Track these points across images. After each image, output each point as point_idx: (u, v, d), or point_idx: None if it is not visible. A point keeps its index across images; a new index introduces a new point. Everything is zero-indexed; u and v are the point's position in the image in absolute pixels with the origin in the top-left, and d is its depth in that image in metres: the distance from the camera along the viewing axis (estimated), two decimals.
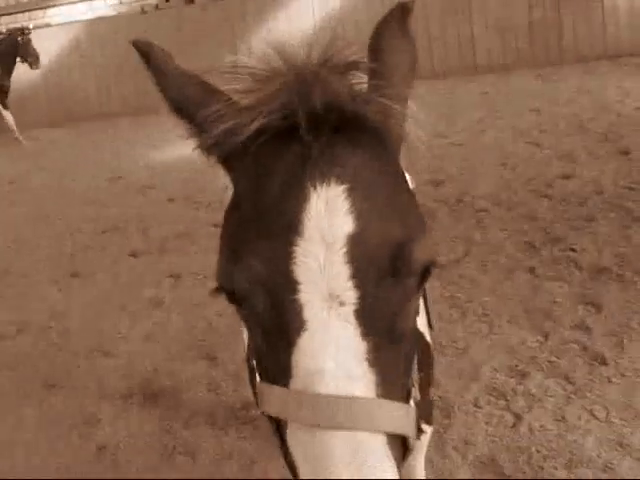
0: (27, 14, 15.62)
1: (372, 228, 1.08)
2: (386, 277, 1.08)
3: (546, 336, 4.31)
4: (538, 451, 3.30)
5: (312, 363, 1.04)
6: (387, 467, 1.01)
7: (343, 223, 1.07)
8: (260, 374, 1.20)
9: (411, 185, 1.46)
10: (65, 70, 15.36)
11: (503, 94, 12.02)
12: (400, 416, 1.08)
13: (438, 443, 3.44)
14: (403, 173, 1.26)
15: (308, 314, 1.06)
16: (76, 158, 12.14)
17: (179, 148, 11.50)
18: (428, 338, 1.99)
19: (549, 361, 4.04)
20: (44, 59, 14.63)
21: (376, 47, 1.27)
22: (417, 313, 1.24)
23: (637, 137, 8.21)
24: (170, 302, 5.65)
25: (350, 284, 1.06)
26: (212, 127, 1.17)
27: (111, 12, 15.63)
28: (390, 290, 1.09)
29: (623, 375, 3.81)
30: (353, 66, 1.20)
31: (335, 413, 1.01)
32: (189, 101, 1.26)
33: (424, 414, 1.99)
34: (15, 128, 13.77)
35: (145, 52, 1.29)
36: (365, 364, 1.05)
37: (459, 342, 4.39)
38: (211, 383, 4.31)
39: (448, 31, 14.55)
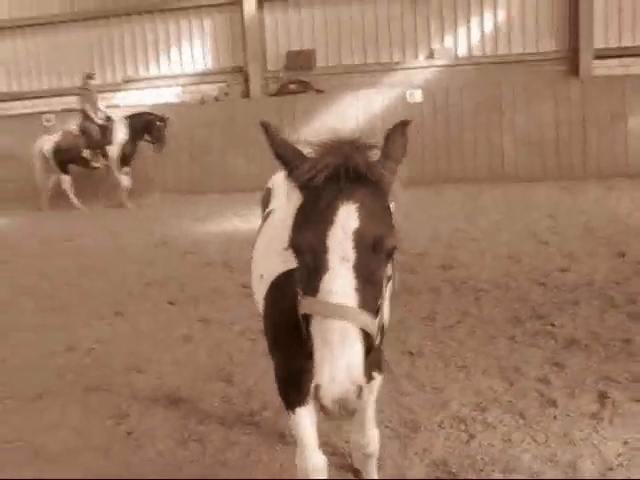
0: (99, 95, 17.25)
1: (367, 227, 2.17)
2: (370, 252, 2.17)
3: (511, 384, 5.07)
4: (482, 459, 4.04)
5: (329, 286, 2.11)
6: (358, 338, 2.10)
7: (353, 222, 2.16)
8: (303, 293, 2.24)
9: (393, 209, 2.46)
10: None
11: (525, 202, 12.92)
12: (369, 321, 2.15)
13: (402, 449, 4.20)
14: (389, 205, 2.38)
15: (331, 264, 2.14)
16: (132, 224, 13.33)
17: (219, 222, 12.69)
18: (386, 311, 2.87)
19: (509, 401, 4.80)
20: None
21: (386, 139, 2.35)
22: (387, 280, 2.37)
23: (636, 243, 9.01)
24: (199, 339, 6.53)
25: (353, 252, 2.14)
26: (298, 171, 2.29)
27: (175, 99, 17.20)
28: (372, 259, 2.17)
29: (568, 415, 4.54)
30: (371, 147, 2.33)
31: (337, 312, 2.07)
32: (287, 155, 2.35)
33: (375, 363, 2.88)
34: (125, 193, 15.38)
35: (266, 125, 2.38)
36: (355, 291, 2.12)
37: (438, 384, 5.16)
38: (225, 397, 5.14)
39: (480, 141, 15.69)
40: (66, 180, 15.43)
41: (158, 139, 15.04)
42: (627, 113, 15.15)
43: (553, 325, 6.27)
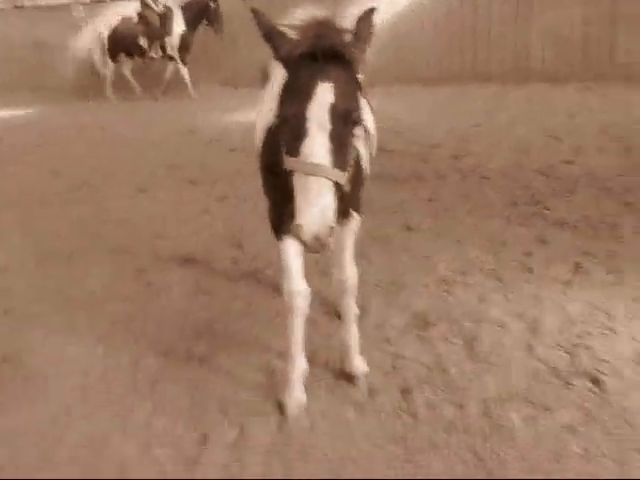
0: None
1: (339, 101, 2.58)
2: (342, 122, 2.59)
3: (496, 255, 5.53)
4: (457, 312, 4.54)
5: (309, 148, 2.56)
6: (331, 190, 2.60)
7: (329, 97, 2.56)
8: (287, 154, 2.66)
9: (361, 79, 2.87)
10: None
11: (547, 101, 12.99)
12: (340, 176, 2.62)
13: (386, 303, 4.71)
14: (358, 81, 2.78)
15: (311, 130, 2.56)
16: (159, 115, 13.77)
17: (247, 113, 13.03)
18: (364, 162, 3.34)
19: (491, 269, 5.28)
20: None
21: (357, 23, 2.74)
22: (356, 142, 2.85)
23: None
24: (215, 213, 7.08)
25: (328, 121, 2.56)
26: (282, 48, 2.66)
27: None
28: (343, 128, 2.61)
29: (541, 279, 5.01)
30: (345, 30, 2.69)
31: (315, 169, 2.54)
32: (273, 35, 2.70)
33: (353, 206, 3.36)
34: (189, 83, 15.62)
35: (255, 11, 2.75)
36: (329, 153, 2.57)
37: (430, 253, 5.64)
38: (234, 259, 5.73)
39: (507, 37, 15.60)
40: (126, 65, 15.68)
41: (215, 21, 15.01)
42: None
43: (547, 209, 6.64)
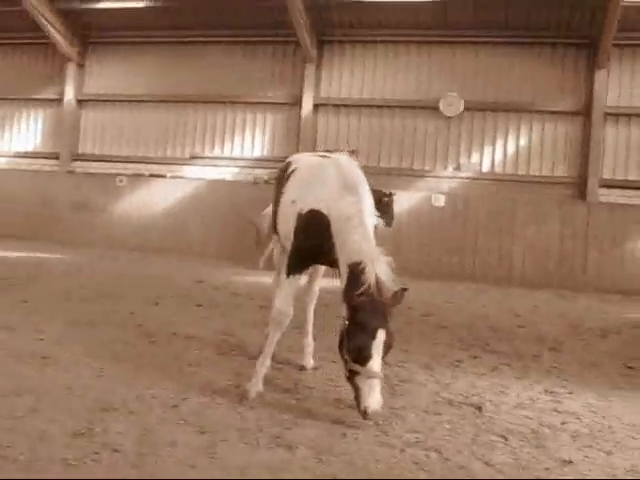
0: (168, 166, 20.04)
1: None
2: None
3: (434, 358, 6.86)
4: None
5: (374, 365, 4.49)
6: None
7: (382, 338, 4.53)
8: (357, 363, 4.54)
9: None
10: (184, 213, 19.34)
11: (520, 298, 14.60)
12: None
13: None
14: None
15: (374, 355, 4.50)
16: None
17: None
18: None
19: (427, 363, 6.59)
20: (173, 202, 19.01)
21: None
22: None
23: (571, 336, 10.71)
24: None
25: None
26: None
27: (231, 177, 19.75)
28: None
29: (464, 372, 6.32)
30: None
31: (377, 375, 4.52)
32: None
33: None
34: None
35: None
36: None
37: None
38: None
39: (492, 246, 17.64)
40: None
41: (387, 214, 15.19)
42: (626, 238, 16.98)
43: (488, 344, 8.05)
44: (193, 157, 20.17)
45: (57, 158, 21.16)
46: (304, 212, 5.12)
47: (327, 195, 4.99)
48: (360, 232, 4.72)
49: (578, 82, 18.02)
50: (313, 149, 18.79)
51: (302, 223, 5.13)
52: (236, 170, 19.83)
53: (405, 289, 4.62)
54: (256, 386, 5.04)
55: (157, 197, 19.66)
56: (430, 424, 4.67)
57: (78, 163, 21.08)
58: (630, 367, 7.38)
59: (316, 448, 4.00)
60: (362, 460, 3.87)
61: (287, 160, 6.29)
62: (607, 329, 10.28)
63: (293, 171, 5.74)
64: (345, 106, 19.34)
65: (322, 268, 5.50)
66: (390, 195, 15.14)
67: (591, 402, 5.65)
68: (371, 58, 19.25)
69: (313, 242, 5.04)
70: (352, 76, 19.40)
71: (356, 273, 4.55)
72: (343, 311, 4.66)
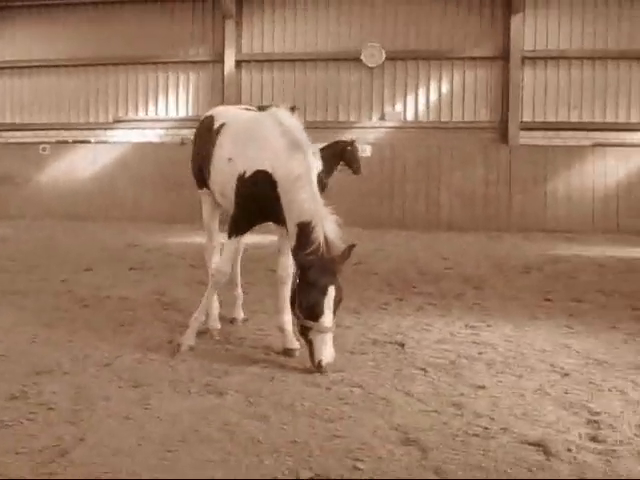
0: (92, 131, 19.71)
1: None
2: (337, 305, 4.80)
3: (362, 302, 7.14)
4: None
5: (327, 320, 4.70)
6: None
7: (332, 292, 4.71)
8: (309, 319, 4.70)
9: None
10: (112, 178, 19.11)
11: (448, 240, 15.06)
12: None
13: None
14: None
15: (326, 310, 4.67)
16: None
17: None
18: None
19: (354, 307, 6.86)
20: (100, 167, 18.76)
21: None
22: None
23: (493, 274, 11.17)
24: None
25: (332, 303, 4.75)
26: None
27: (157, 140, 19.56)
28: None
29: (390, 314, 6.60)
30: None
31: (330, 329, 4.73)
32: None
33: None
34: None
35: None
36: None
37: None
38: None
39: (420, 193, 18.05)
40: None
41: (354, 161, 14.96)
42: (547, 178, 17.60)
43: (414, 287, 8.38)
44: (117, 121, 19.82)
45: None
46: (248, 174, 5.07)
47: (272, 154, 4.95)
48: (308, 191, 4.77)
49: (496, 28, 18.34)
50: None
51: (246, 185, 5.09)
52: (162, 132, 19.61)
53: (353, 246, 4.77)
54: (189, 340, 5.20)
55: (83, 163, 19.33)
56: (356, 363, 4.93)
57: None
58: (548, 299, 7.80)
59: (245, 392, 4.19)
60: (290, 399, 4.09)
61: (208, 113, 6.21)
62: (529, 265, 10.76)
63: (222, 125, 5.66)
64: (268, 61, 19.25)
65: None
66: (352, 143, 15.25)
67: (508, 333, 6.02)
68: (291, 12, 19.15)
69: (259, 204, 5.08)
70: (273, 31, 19.28)
71: (306, 232, 4.65)
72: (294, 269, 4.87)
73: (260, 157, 5.01)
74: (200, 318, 5.39)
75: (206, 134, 5.87)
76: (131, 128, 19.75)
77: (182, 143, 19.00)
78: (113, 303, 7.15)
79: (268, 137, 5.05)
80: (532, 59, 18.17)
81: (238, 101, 19.01)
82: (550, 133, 18.12)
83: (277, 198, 4.90)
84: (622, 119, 17.90)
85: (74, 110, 20.05)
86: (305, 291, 4.59)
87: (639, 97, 17.98)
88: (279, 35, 19.25)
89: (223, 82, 19.26)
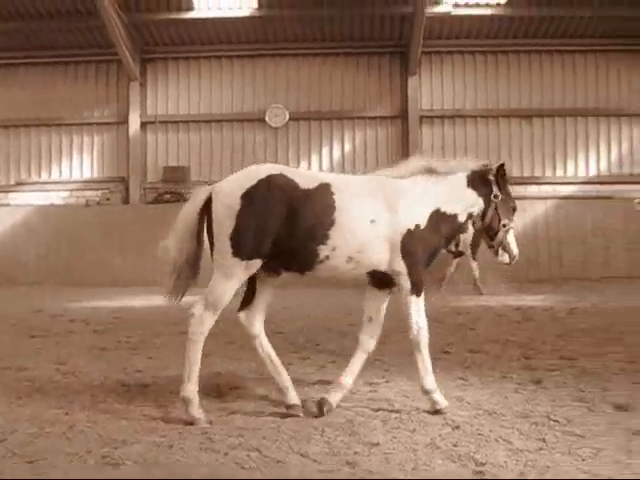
0: None
1: None
2: None
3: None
4: None
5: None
6: None
7: None
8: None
9: None
10: (15, 241, 18.67)
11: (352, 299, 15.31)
12: None
13: None
14: None
15: None
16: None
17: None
18: None
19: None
20: (1, 231, 18.34)
21: None
22: None
23: None
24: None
25: None
26: None
27: (61, 202, 19.30)
28: None
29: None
30: None
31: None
32: None
33: None
34: (478, 278, 16.53)
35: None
36: None
37: None
38: None
39: None
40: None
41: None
42: None
43: (317, 345, 8.54)
44: (19, 183, 19.51)
45: None
46: (418, 226, 5.48)
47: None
48: None
49: (394, 89, 19.23)
50: (143, 167, 18.77)
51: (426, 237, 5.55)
52: (66, 194, 19.42)
53: None
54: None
55: None
56: (255, 425, 5.00)
57: None
58: (446, 352, 8.10)
59: (142, 463, 4.21)
60: (185, 468, 4.13)
61: (271, 180, 5.18)
62: (431, 318, 11.00)
63: (328, 187, 5.25)
64: (173, 122, 19.49)
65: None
66: None
67: (405, 388, 6.23)
68: (196, 74, 19.53)
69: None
70: (178, 93, 19.60)
71: None
72: None
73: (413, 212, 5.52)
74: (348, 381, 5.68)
75: (295, 200, 5.15)
76: (34, 190, 19.48)
77: (87, 205, 18.87)
78: (12, 374, 6.98)
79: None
80: (430, 117, 19.05)
81: (144, 162, 19.10)
82: None
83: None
84: (515, 173, 18.85)
85: None
86: None
87: (530, 152, 19.04)
88: (184, 96, 19.56)
89: (128, 143, 19.29)
